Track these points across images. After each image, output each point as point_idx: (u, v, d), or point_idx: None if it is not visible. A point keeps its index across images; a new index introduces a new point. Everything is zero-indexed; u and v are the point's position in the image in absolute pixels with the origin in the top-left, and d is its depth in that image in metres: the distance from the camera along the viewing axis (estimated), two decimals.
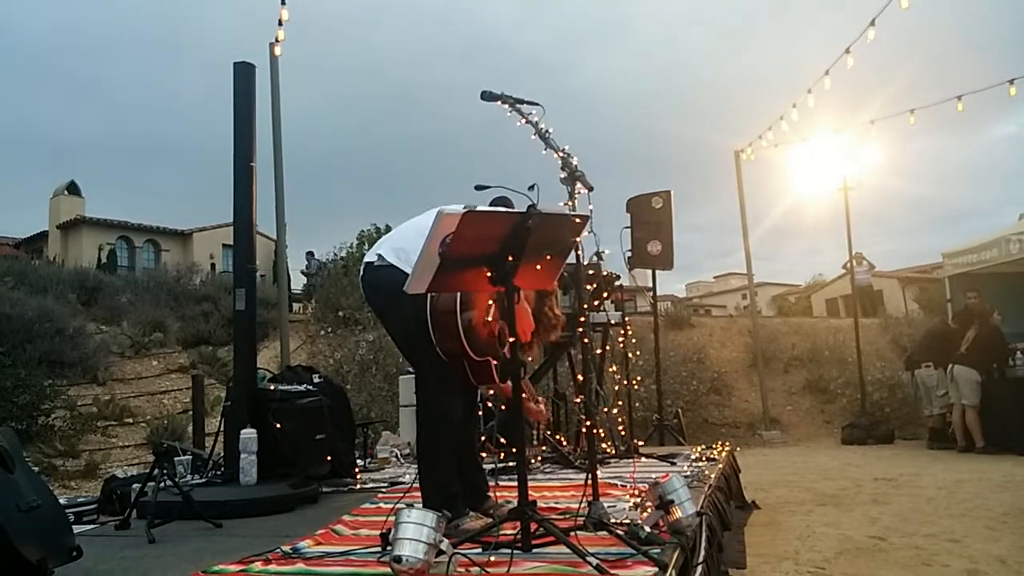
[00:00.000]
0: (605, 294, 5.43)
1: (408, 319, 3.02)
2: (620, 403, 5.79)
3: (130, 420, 10.04)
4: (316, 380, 4.72)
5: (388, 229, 24.79)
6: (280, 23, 7.26)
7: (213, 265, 28.55)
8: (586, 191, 2.88)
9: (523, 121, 3.11)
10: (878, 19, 7.42)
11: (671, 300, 22.44)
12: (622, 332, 5.67)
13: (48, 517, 2.50)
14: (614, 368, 5.97)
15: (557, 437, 5.46)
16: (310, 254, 21.62)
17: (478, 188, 3.32)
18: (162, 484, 3.59)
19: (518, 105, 3.15)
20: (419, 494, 3.15)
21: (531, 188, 2.64)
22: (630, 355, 6.07)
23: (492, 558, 2.43)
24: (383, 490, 4.42)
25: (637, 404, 7.56)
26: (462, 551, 2.48)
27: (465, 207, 2.60)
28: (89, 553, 2.60)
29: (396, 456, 5.77)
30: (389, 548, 2.42)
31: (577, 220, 2.80)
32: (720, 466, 4.79)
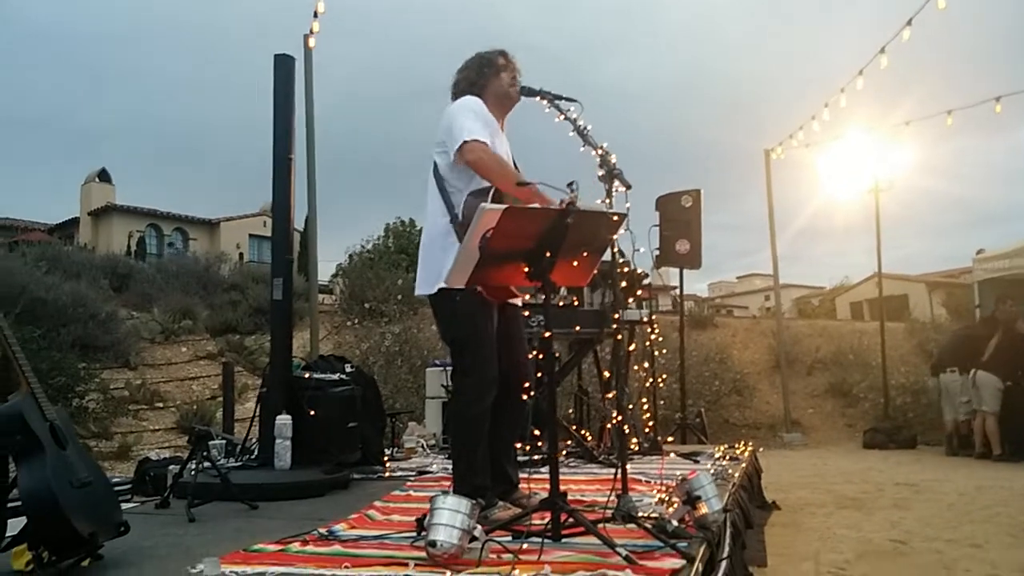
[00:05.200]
0: (635, 292, 5.48)
1: None
2: (645, 401, 5.84)
3: (160, 405, 10.22)
4: (348, 370, 4.82)
5: (412, 223, 25.06)
6: (315, 15, 7.36)
7: (241, 255, 28.86)
8: (623, 189, 2.93)
9: (561, 117, 3.17)
10: (915, 18, 7.35)
11: (694, 299, 22.35)
12: (649, 330, 5.72)
13: (98, 493, 2.60)
14: (638, 367, 6.03)
15: (581, 432, 5.53)
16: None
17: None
18: (200, 466, 3.70)
19: (557, 101, 3.21)
20: (447, 483, 3.24)
21: (570, 185, 2.69)
22: (656, 353, 6.12)
23: (524, 546, 2.51)
24: (412, 478, 4.52)
25: (660, 402, 7.60)
26: (495, 538, 2.56)
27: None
28: (133, 530, 2.69)
29: (422, 446, 5.85)
30: (424, 533, 2.51)
31: (614, 218, 2.86)
32: (743, 465, 4.84)
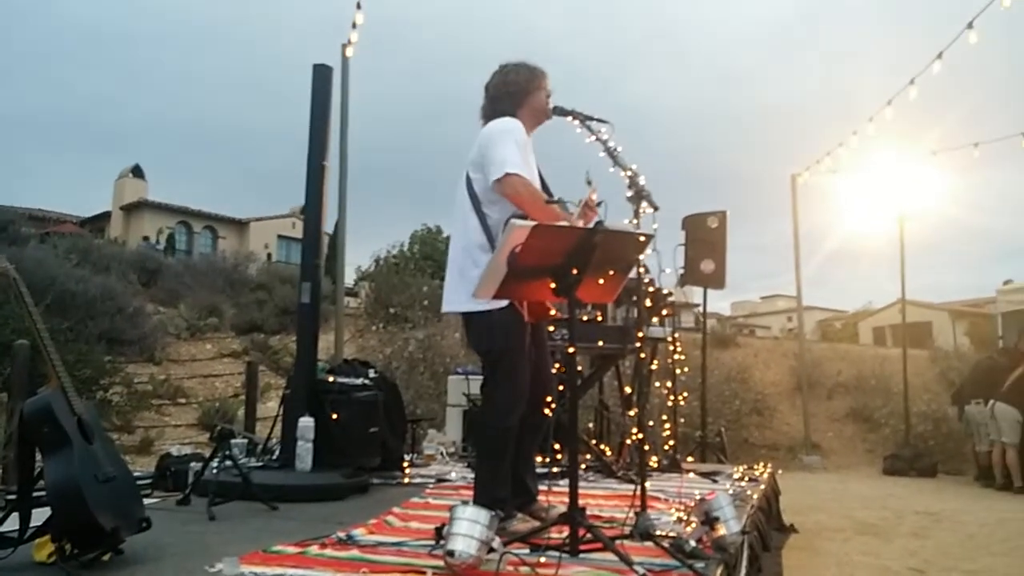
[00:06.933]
0: (660, 311, 5.47)
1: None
2: (666, 418, 5.82)
3: (183, 400, 10.34)
4: (371, 375, 4.86)
5: (439, 230, 25.15)
6: (354, 25, 7.43)
7: (269, 255, 29.10)
8: (651, 210, 2.95)
9: (592, 138, 3.19)
10: (945, 52, 7.35)
11: (716, 318, 22.23)
12: (671, 348, 5.71)
13: (122, 488, 2.64)
14: (659, 384, 6.01)
15: (601, 447, 5.52)
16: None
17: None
18: (222, 465, 3.74)
19: (588, 122, 3.23)
20: (466, 492, 3.25)
21: (599, 204, 2.72)
22: (677, 371, 6.10)
23: (541, 559, 2.52)
24: (430, 486, 4.53)
25: (680, 420, 7.57)
26: (512, 550, 2.57)
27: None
28: (153, 526, 2.71)
29: (442, 454, 5.87)
30: (442, 542, 2.53)
31: (641, 238, 2.87)
32: (762, 487, 4.81)
